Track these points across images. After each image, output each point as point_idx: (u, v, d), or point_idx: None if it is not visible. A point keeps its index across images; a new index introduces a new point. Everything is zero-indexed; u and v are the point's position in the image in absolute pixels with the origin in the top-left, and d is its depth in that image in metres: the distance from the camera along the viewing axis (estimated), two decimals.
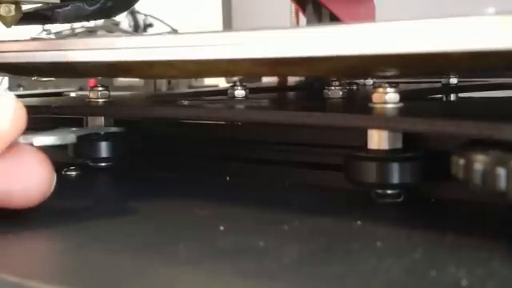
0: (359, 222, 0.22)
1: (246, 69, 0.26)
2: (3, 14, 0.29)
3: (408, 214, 0.24)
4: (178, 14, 1.14)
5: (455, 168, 0.20)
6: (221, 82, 0.76)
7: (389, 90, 0.25)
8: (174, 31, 1.08)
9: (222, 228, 0.22)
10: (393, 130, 0.24)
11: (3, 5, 0.29)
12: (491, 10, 0.19)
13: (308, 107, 0.28)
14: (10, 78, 1.00)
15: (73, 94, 0.61)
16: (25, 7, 0.31)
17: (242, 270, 0.18)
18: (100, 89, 0.33)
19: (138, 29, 1.13)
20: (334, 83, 0.34)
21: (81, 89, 0.70)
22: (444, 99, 0.42)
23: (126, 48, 0.26)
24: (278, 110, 0.27)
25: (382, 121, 0.23)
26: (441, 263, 0.18)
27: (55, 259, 0.19)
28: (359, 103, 0.26)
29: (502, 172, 0.17)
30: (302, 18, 0.51)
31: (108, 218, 0.25)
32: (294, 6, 0.54)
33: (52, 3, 0.32)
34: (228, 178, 0.31)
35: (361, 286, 0.16)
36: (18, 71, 0.37)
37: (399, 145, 0.24)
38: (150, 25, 1.16)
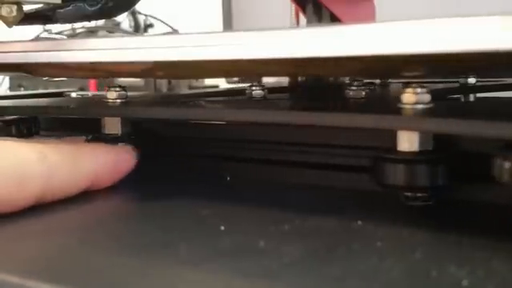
0: (360, 222, 0.22)
1: (256, 68, 0.26)
2: (5, 14, 0.29)
3: (410, 214, 0.24)
4: (178, 15, 1.15)
5: (498, 170, 0.19)
6: (221, 82, 0.76)
7: (419, 90, 0.24)
8: (175, 31, 1.08)
9: (222, 228, 0.22)
10: (427, 132, 0.23)
11: (5, 5, 0.29)
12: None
13: (334, 108, 0.27)
14: (10, 79, 1.00)
15: (73, 94, 0.61)
16: (26, 7, 0.31)
17: (242, 269, 0.18)
18: (117, 89, 0.32)
19: (139, 29, 1.13)
20: (355, 83, 0.33)
21: (81, 89, 0.70)
22: (463, 99, 0.41)
23: (128, 48, 0.26)
24: (303, 110, 0.26)
25: (418, 122, 0.22)
26: (442, 263, 0.18)
27: (56, 258, 0.19)
28: (388, 104, 0.26)
29: None
30: (302, 19, 0.51)
31: (108, 217, 0.25)
32: (294, 6, 0.54)
33: (53, 3, 0.32)
34: (228, 178, 0.31)
35: (361, 287, 0.16)
36: (21, 70, 0.37)
37: (430, 146, 0.24)
38: (151, 25, 1.17)
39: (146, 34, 1.11)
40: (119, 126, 0.32)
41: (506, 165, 0.19)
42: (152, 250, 0.20)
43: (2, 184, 0.23)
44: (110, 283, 0.17)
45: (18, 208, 0.23)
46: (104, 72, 0.35)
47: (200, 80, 0.84)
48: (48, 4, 0.32)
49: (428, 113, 0.23)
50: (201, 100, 0.38)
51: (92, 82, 0.77)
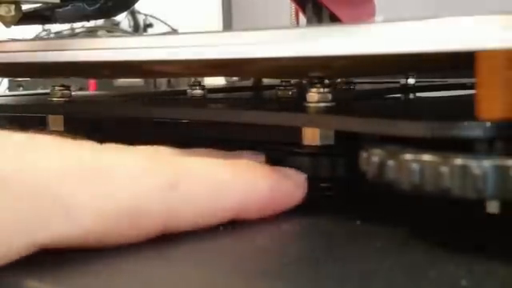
0: (358, 222, 0.22)
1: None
2: (3, 13, 0.29)
3: (407, 212, 0.24)
4: (178, 14, 1.14)
5: (360, 161, 0.21)
6: (221, 81, 0.76)
7: (322, 89, 0.25)
8: (174, 31, 1.08)
9: (221, 228, 0.22)
10: (311, 127, 0.25)
11: (3, 5, 0.29)
12: (380, 17, 0.20)
13: (251, 107, 0.29)
14: (9, 79, 1.00)
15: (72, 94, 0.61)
16: (25, 7, 0.31)
17: (240, 270, 0.18)
18: (61, 88, 0.33)
19: (138, 29, 1.13)
20: (284, 82, 0.34)
21: (81, 89, 0.70)
22: (395, 98, 0.42)
23: (126, 48, 0.26)
24: (217, 109, 0.28)
25: (301, 119, 0.24)
26: (440, 263, 0.18)
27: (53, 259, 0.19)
28: (296, 102, 0.28)
29: (391, 163, 0.19)
30: (302, 18, 0.51)
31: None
32: (293, 5, 0.54)
33: (52, 3, 0.32)
34: None
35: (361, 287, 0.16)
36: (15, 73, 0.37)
37: (331, 141, 0.25)
38: (150, 25, 1.17)
39: (144, 33, 1.11)
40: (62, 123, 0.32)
41: (364, 155, 0.20)
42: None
43: (113, 219, 0.18)
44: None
45: (130, 242, 0.19)
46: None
47: (199, 79, 0.84)
48: (47, 4, 0.32)
49: (325, 111, 0.25)
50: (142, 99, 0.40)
51: (92, 82, 0.77)
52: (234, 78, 0.66)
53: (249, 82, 0.50)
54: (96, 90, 0.76)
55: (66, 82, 0.34)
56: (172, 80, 0.80)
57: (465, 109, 0.20)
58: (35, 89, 0.75)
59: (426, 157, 0.18)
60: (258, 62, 0.23)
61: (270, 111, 0.26)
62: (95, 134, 0.27)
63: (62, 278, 0.17)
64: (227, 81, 0.71)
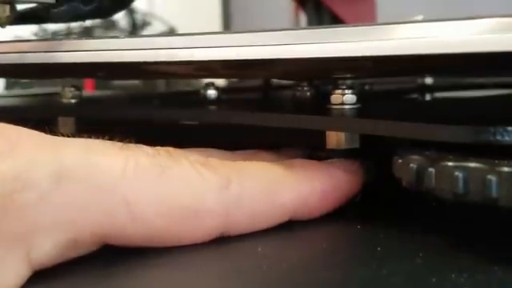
0: (359, 226, 0.22)
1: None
2: None
3: (408, 216, 0.24)
4: (176, 13, 1.14)
5: (394, 167, 0.20)
6: (220, 81, 0.76)
7: (346, 91, 0.25)
8: (172, 31, 1.08)
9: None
10: (334, 131, 0.24)
11: None
12: (420, 17, 0.19)
13: (266, 108, 0.28)
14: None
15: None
16: (20, 7, 0.31)
17: (240, 273, 0.18)
18: (72, 89, 0.32)
19: (136, 28, 1.12)
20: (302, 83, 0.34)
21: (78, 89, 0.69)
22: (419, 99, 0.42)
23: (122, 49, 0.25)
24: (238, 111, 0.27)
25: (324, 122, 0.23)
26: (441, 269, 0.17)
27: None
28: (318, 104, 0.26)
29: (431, 171, 0.18)
30: (302, 18, 0.51)
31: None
32: (293, 5, 0.54)
33: (47, 3, 0.31)
34: None
35: None
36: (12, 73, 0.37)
37: (356, 145, 0.24)
38: (149, 24, 1.16)
39: (142, 33, 1.11)
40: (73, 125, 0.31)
41: (399, 161, 0.20)
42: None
43: (174, 219, 0.19)
44: None
45: (192, 242, 0.20)
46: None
47: (199, 80, 0.83)
48: (42, 3, 0.31)
49: (352, 113, 0.24)
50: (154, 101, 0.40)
51: (88, 82, 0.77)
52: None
53: (256, 82, 0.50)
54: (94, 90, 0.76)
55: (61, 80, 0.33)
56: (170, 80, 0.80)
57: (504, 111, 0.19)
58: (32, 87, 0.75)
59: (472, 164, 0.17)
60: (277, 62, 0.22)
61: (294, 114, 0.24)
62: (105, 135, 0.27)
63: None
64: (228, 81, 0.71)
